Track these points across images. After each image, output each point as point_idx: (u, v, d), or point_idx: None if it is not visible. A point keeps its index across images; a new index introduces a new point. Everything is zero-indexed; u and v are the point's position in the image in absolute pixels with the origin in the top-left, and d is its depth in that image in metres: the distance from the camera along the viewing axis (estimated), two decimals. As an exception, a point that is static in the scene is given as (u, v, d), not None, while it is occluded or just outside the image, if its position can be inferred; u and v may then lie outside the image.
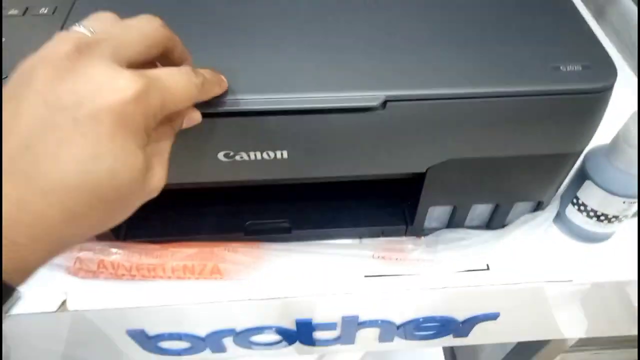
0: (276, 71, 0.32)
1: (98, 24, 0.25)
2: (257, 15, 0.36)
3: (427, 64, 0.33)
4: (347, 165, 0.36)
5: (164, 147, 0.27)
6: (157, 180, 0.25)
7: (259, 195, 0.46)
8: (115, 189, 0.22)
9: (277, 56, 0.32)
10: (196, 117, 0.29)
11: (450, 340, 0.55)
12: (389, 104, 0.32)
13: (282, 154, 0.35)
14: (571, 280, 0.43)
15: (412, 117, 0.33)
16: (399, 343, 0.54)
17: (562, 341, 0.72)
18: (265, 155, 0.35)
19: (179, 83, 0.25)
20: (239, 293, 0.44)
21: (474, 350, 1.03)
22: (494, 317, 0.49)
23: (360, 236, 0.45)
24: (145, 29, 0.25)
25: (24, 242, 0.21)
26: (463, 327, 0.51)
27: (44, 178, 0.21)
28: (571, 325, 0.54)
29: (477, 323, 0.50)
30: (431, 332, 0.52)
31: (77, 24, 0.24)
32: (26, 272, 0.22)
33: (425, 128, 0.34)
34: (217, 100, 0.30)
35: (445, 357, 1.04)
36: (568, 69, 0.32)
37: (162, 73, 0.24)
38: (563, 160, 0.37)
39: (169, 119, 0.27)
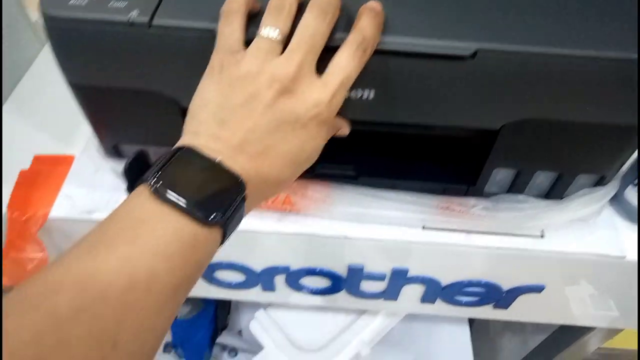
0: None
1: (282, 23, 0.32)
2: None
3: (518, 22, 0.35)
4: (429, 112, 0.38)
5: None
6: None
7: (331, 142, 0.49)
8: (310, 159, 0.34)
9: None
10: (346, 131, 0.39)
11: (489, 312, 0.56)
12: (478, 54, 0.34)
13: (369, 94, 0.37)
14: (624, 257, 0.45)
15: (499, 70, 0.35)
16: (439, 307, 0.56)
17: (583, 346, 0.73)
18: (352, 94, 0.37)
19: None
20: (302, 227, 0.47)
21: (493, 350, 1.04)
22: (538, 289, 0.51)
23: (422, 191, 0.48)
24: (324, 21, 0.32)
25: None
26: (506, 296, 0.53)
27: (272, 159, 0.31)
28: (617, 313, 0.55)
29: (520, 294, 0.52)
30: (473, 299, 0.54)
31: (264, 28, 0.31)
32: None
33: (510, 82, 0.36)
34: None
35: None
36: None
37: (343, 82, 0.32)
38: (632, 133, 0.39)
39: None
